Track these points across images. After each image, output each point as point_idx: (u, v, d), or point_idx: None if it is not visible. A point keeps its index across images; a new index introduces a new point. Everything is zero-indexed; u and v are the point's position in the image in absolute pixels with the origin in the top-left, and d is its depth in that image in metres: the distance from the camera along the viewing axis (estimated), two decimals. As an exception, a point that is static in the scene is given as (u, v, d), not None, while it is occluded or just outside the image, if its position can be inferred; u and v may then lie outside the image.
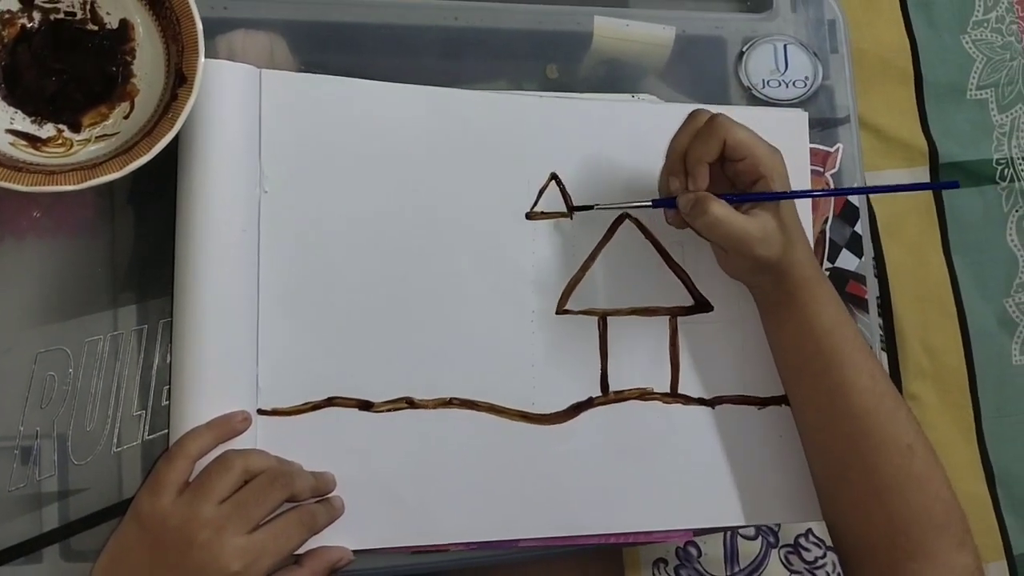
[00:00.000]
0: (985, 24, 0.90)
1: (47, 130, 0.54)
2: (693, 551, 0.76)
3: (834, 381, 0.56)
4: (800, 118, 0.66)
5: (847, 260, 0.68)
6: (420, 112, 0.59)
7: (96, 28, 0.55)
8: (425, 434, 0.57)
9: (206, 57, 0.52)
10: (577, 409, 0.59)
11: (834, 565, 0.77)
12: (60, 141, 0.54)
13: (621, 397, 0.60)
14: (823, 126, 0.68)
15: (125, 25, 0.55)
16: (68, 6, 0.54)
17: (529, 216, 0.60)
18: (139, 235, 0.56)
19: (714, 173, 0.55)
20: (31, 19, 0.54)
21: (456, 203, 0.59)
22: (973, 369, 0.86)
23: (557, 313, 0.60)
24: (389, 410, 0.57)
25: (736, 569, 0.76)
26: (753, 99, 0.68)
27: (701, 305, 0.62)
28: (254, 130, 0.56)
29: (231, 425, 0.53)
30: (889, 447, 0.55)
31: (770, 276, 0.57)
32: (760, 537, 0.77)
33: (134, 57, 0.55)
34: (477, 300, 0.59)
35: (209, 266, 0.53)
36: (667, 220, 0.59)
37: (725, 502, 0.61)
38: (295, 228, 0.56)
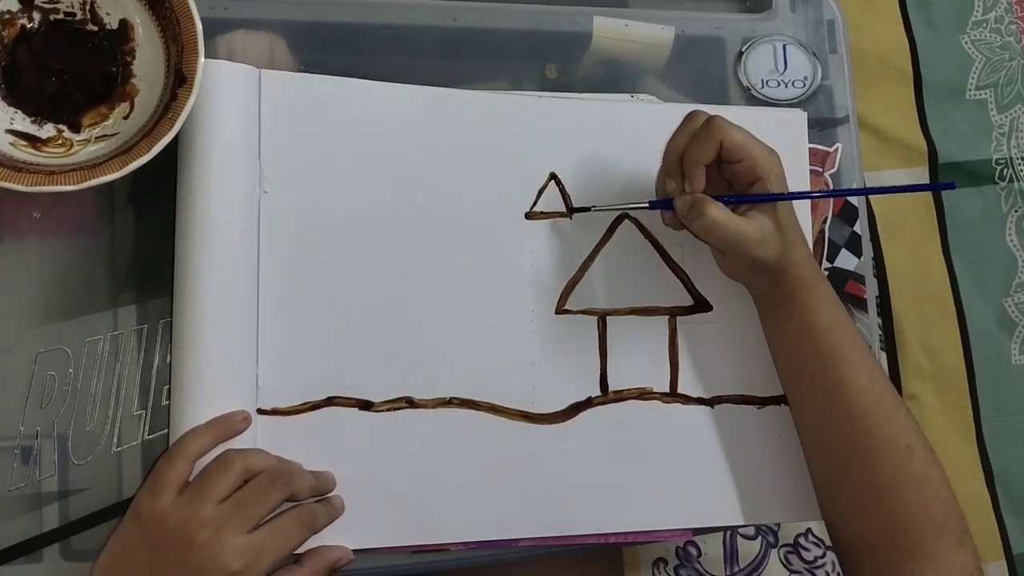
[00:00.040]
0: (984, 24, 0.90)
1: (47, 130, 0.54)
2: (693, 551, 0.76)
3: (833, 380, 0.56)
4: (799, 118, 0.66)
5: (846, 260, 0.68)
6: (419, 112, 0.59)
7: (96, 28, 0.55)
8: (425, 434, 0.57)
9: (206, 57, 0.52)
10: (576, 409, 0.59)
11: (833, 565, 0.77)
12: (60, 141, 0.54)
13: (620, 397, 0.60)
14: (822, 126, 0.68)
15: (125, 25, 0.55)
16: (68, 6, 0.54)
17: (528, 216, 0.60)
18: (139, 235, 0.56)
19: (711, 175, 0.55)
20: (31, 19, 0.54)
21: (455, 203, 0.59)
22: (972, 369, 0.86)
23: (556, 313, 0.60)
24: (389, 410, 0.57)
25: (736, 569, 0.77)
26: (752, 99, 0.68)
27: (700, 305, 0.62)
28: (254, 130, 0.56)
29: (231, 425, 0.53)
30: (888, 447, 0.55)
31: (768, 277, 0.57)
32: (760, 537, 0.78)
33: (134, 57, 0.55)
34: (476, 300, 0.59)
35: (209, 266, 0.53)
36: (664, 222, 0.59)
37: (724, 502, 0.61)
38: (295, 228, 0.56)
